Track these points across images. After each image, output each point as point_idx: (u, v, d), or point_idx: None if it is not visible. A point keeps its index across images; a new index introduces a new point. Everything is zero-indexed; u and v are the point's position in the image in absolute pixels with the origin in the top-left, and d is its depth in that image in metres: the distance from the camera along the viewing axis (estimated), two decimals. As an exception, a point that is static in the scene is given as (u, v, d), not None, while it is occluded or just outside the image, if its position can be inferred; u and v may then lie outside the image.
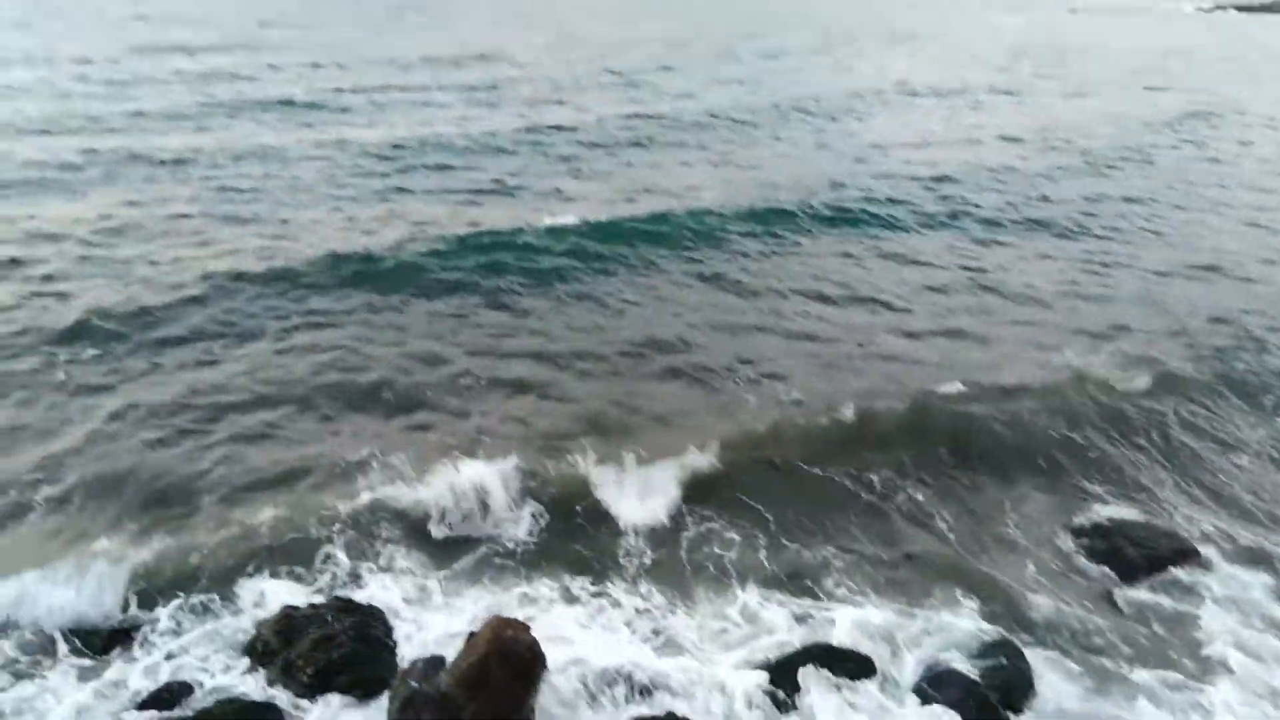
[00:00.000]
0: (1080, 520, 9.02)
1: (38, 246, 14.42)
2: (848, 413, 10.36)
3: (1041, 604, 7.73)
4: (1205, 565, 8.44)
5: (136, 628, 6.95)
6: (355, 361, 11.19)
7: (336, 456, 9.20)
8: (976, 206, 19.15)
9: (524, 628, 6.54)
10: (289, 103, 28.42)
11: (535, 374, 11.24)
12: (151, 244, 14.70)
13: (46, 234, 14.95)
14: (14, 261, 13.67)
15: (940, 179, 20.97)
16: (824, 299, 13.94)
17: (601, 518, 8.58)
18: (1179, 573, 8.36)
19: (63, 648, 6.75)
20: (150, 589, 7.26)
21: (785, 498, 8.99)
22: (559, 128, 25.81)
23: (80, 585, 7.21)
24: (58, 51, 43.34)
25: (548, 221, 15.87)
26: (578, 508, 8.69)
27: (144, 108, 26.84)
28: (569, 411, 10.43)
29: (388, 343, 11.75)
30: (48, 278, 13.12)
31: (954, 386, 11.13)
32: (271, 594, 7.42)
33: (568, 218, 16.14)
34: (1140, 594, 8.07)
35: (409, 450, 9.42)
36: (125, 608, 7.08)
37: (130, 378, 10.58)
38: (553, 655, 6.57)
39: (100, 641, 6.93)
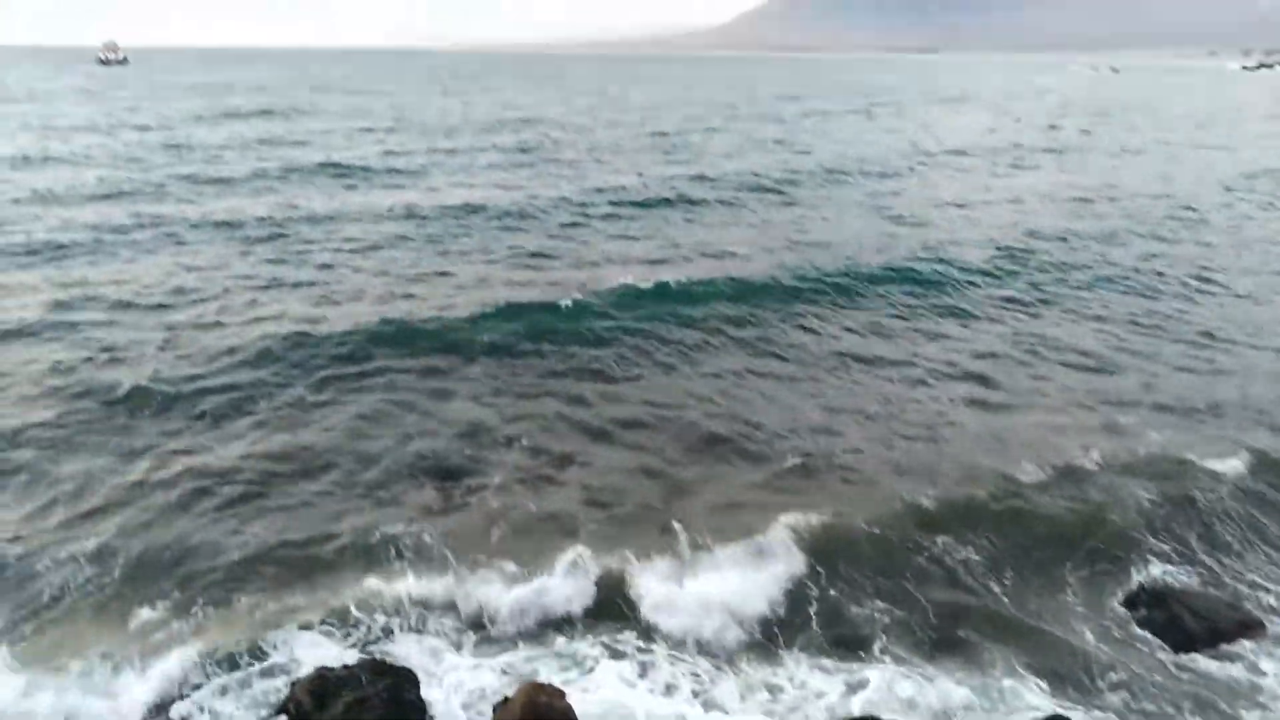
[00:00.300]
0: (1139, 589, 8.51)
1: (93, 309, 14.57)
2: (906, 485, 9.87)
3: (1099, 673, 7.32)
4: (1271, 638, 7.98)
5: (174, 694, 6.80)
6: (400, 428, 10.99)
7: (375, 522, 8.98)
8: (1034, 270, 18.57)
9: (559, 694, 6.24)
10: (337, 166, 28.98)
11: (581, 442, 10.92)
12: (202, 307, 14.77)
13: (102, 297, 15.12)
14: (70, 325, 13.80)
15: (995, 242, 20.46)
16: (876, 366, 13.46)
17: (646, 582, 8.19)
18: (1242, 645, 7.89)
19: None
20: (188, 648, 7.10)
21: (839, 564, 8.55)
22: (601, 190, 25.88)
23: (121, 666, 7.04)
24: (120, 119, 44.88)
25: (592, 287, 15.68)
26: (622, 572, 8.31)
27: (198, 172, 27.55)
28: (612, 482, 10.07)
29: (432, 409, 11.55)
30: (103, 343, 13.18)
31: (1011, 455, 10.59)
32: (305, 653, 7.25)
33: (612, 283, 15.94)
34: (1201, 664, 7.61)
35: (448, 515, 9.19)
36: (163, 668, 6.93)
37: (178, 442, 10.48)
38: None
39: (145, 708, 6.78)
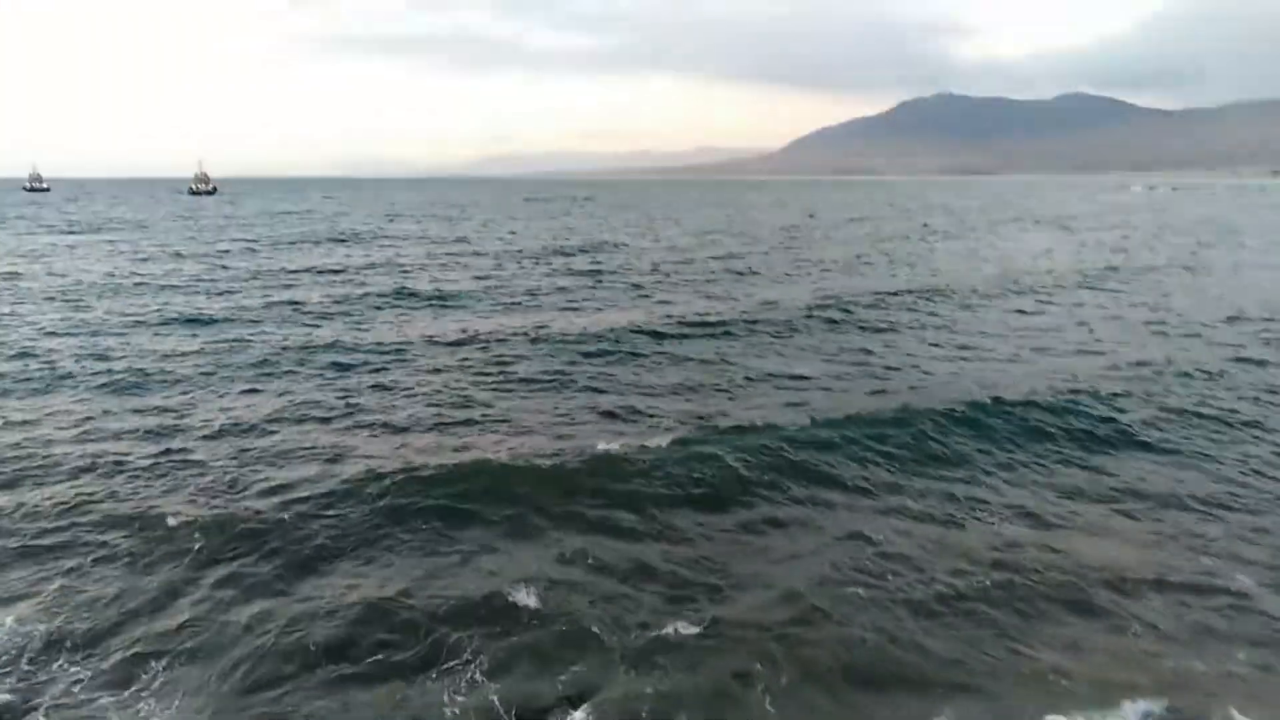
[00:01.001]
0: None
1: (157, 442, 14.02)
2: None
3: None
4: None
5: None
6: (459, 591, 9.82)
7: (436, 698, 7.76)
8: (1154, 413, 16.66)
9: None
10: (411, 295, 28.95)
11: (664, 603, 9.58)
12: (263, 444, 14.06)
13: (186, 428, 14.59)
14: (148, 457, 13.21)
15: (1123, 376, 18.66)
16: (979, 537, 11.70)
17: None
18: None
19: None
20: None
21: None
22: (669, 316, 25.11)
23: None
24: (194, 250, 46.39)
25: (659, 441, 14.16)
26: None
27: (275, 299, 27.73)
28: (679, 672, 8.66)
29: (484, 573, 10.33)
30: (169, 482, 12.50)
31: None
32: None
33: (673, 436, 14.26)
34: None
35: (499, 696, 7.86)
36: None
37: (235, 597, 9.51)
38: None
39: None
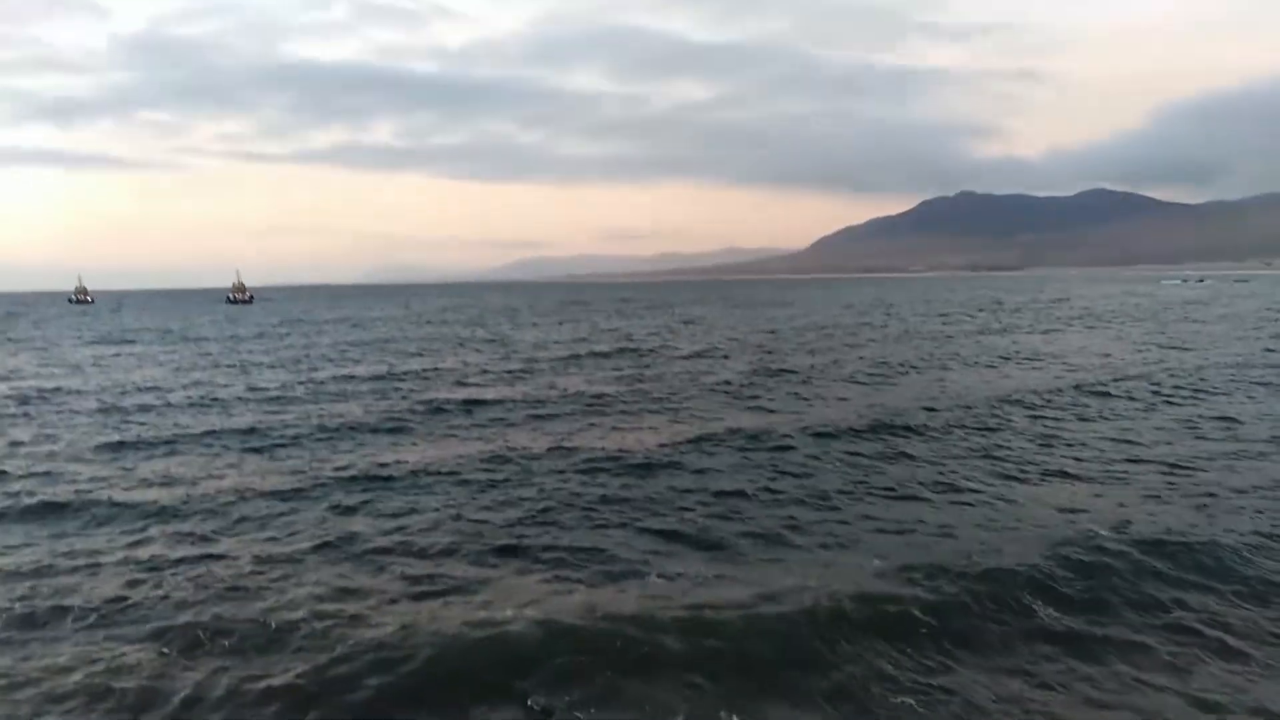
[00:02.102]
0: None
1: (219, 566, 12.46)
2: None
3: None
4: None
5: None
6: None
7: None
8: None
9: None
10: (437, 405, 27.56)
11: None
12: (299, 593, 12.42)
13: (229, 555, 13.03)
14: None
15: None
16: None
17: None
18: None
19: None
20: None
21: None
22: (709, 435, 21.98)
23: None
24: (248, 380, 45.98)
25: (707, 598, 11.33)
26: None
27: (313, 412, 26.57)
28: None
29: None
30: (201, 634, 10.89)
31: None
32: None
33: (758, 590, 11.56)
34: None
35: None
36: None
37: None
38: None
39: None
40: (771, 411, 25.87)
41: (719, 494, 16.41)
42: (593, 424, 24.16)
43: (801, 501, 15.90)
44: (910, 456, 19.58)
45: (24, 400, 30.76)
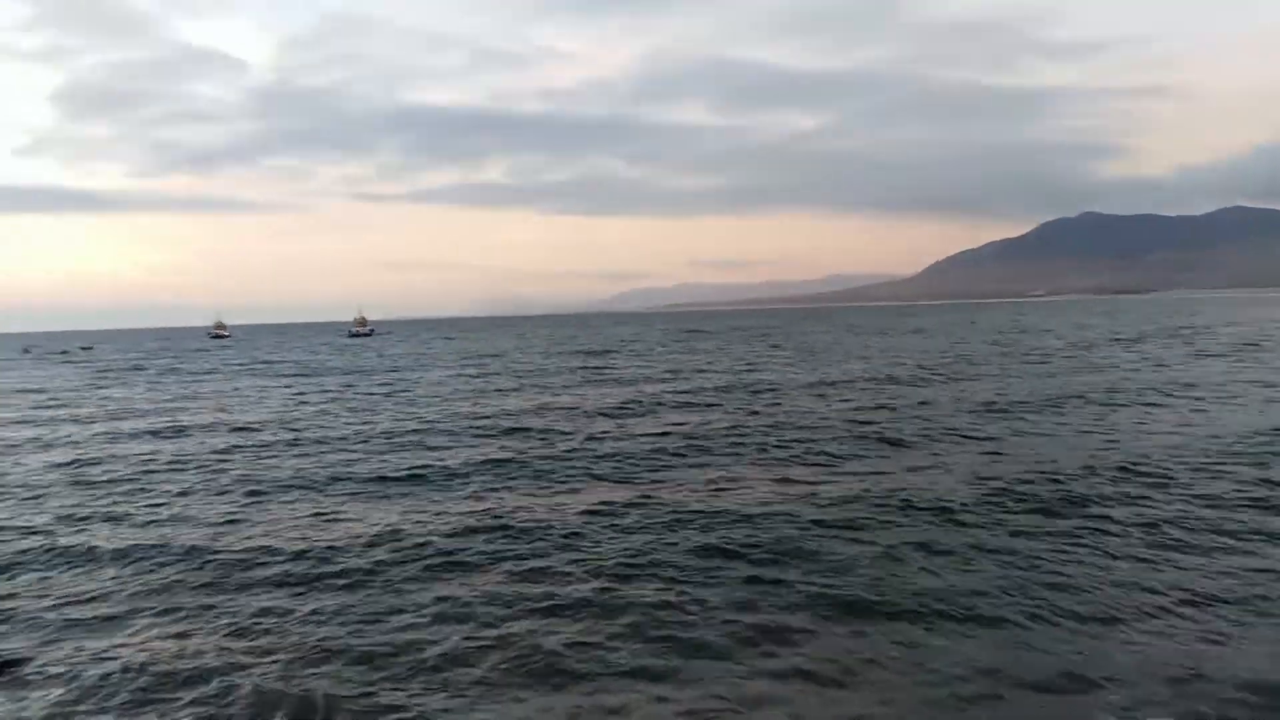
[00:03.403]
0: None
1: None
2: None
3: None
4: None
5: None
6: None
7: None
8: None
9: None
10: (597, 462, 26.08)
11: None
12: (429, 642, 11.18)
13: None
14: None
15: None
16: None
17: None
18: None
19: None
20: None
21: None
22: (841, 496, 18.49)
23: None
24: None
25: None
26: None
27: (469, 450, 25.87)
28: None
29: None
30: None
31: None
32: None
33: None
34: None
35: None
36: None
37: None
38: None
39: None
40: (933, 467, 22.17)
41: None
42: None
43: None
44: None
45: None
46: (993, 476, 19.73)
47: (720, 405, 35.98)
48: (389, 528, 16.98)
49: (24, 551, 16.36)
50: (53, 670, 10.95)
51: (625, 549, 15.14)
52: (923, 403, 34.26)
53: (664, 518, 17.20)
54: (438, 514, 18.28)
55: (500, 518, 17.62)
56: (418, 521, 17.57)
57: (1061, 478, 19.18)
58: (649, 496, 19.17)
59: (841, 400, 36.41)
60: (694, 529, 16.32)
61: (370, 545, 15.84)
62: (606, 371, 58.42)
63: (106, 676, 10.63)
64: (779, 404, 35.71)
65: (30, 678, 10.79)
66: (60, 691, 10.35)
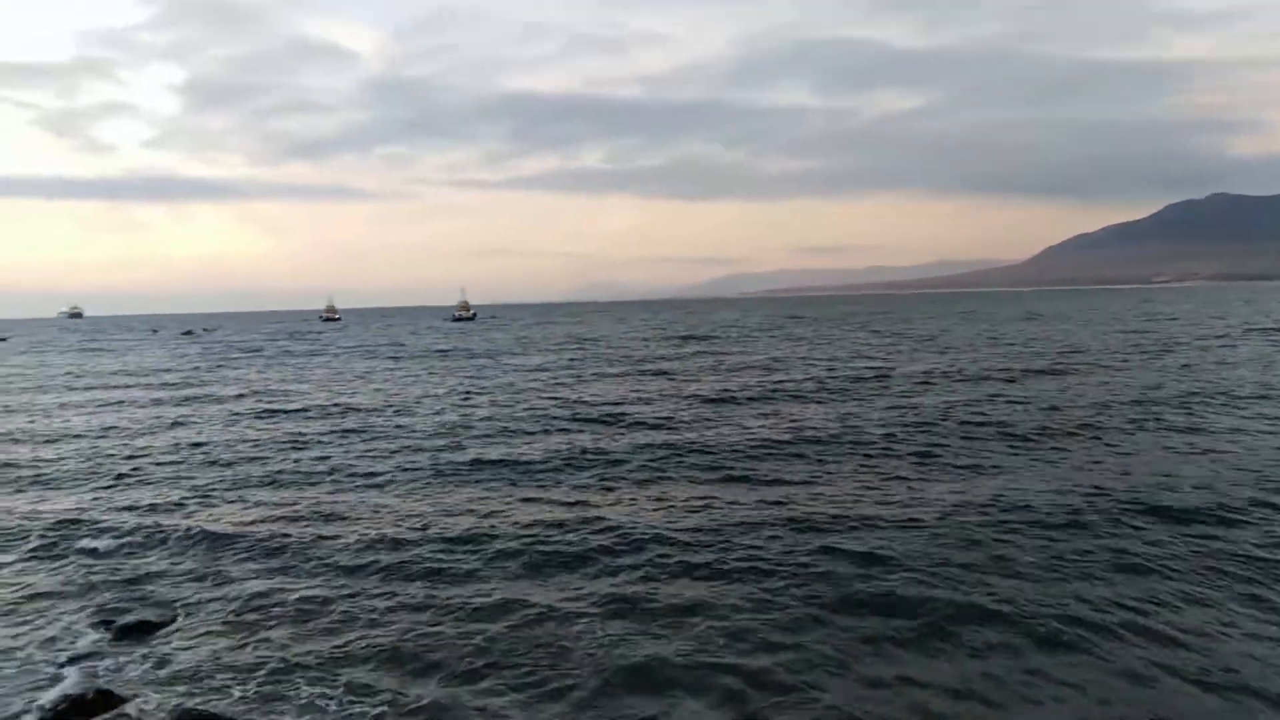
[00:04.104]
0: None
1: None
2: None
3: None
4: None
5: None
6: None
7: None
8: None
9: None
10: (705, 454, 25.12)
11: None
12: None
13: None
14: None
15: None
16: None
17: None
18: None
19: None
20: None
21: None
22: (976, 501, 16.47)
23: None
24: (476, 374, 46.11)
25: None
26: None
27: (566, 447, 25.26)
28: None
29: None
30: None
31: None
32: None
33: None
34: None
35: None
36: None
37: None
38: None
39: None
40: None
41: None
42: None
43: None
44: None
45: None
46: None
47: (838, 398, 34.37)
48: (543, 516, 16.58)
49: (161, 528, 16.46)
50: (190, 634, 11.19)
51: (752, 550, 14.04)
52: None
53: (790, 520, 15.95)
54: (607, 503, 17.61)
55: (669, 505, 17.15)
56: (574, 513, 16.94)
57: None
58: (783, 500, 17.82)
59: (976, 393, 34.20)
60: (816, 533, 14.95)
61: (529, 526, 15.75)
62: (711, 356, 57.21)
63: (241, 645, 10.62)
64: (908, 395, 33.77)
65: (165, 640, 11.04)
66: (194, 656, 10.51)
